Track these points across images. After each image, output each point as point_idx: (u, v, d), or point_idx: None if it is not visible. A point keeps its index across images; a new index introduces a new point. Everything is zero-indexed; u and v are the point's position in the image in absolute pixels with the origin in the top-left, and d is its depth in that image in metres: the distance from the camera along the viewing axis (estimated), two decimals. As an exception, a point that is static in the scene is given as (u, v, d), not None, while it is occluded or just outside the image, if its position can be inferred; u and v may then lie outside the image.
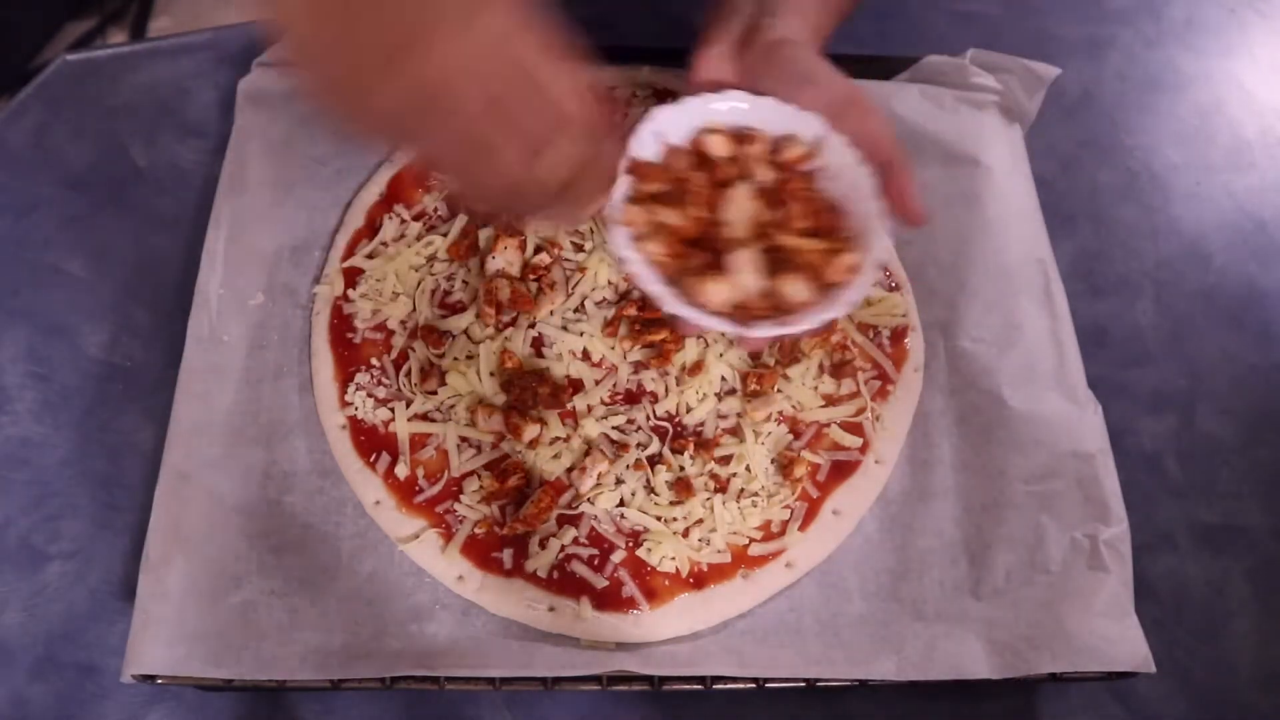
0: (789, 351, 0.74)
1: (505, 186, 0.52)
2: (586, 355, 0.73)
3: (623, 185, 0.60)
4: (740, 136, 0.64)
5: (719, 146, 0.63)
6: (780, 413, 0.72)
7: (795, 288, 0.59)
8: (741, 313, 0.58)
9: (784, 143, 0.64)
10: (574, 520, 0.68)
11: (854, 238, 0.61)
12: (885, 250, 0.62)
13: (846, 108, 0.62)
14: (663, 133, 0.63)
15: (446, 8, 0.46)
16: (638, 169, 0.61)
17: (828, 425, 0.72)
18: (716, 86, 0.64)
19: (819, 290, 0.59)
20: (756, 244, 0.60)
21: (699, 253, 0.60)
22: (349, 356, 0.74)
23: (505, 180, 0.51)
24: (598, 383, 0.73)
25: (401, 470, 0.70)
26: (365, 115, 0.48)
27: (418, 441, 0.71)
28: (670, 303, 0.57)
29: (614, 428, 0.71)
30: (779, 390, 0.72)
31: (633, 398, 0.73)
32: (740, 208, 0.61)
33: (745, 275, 0.59)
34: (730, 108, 0.64)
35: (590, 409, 0.71)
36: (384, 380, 0.73)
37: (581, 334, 0.74)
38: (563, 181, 0.52)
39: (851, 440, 0.72)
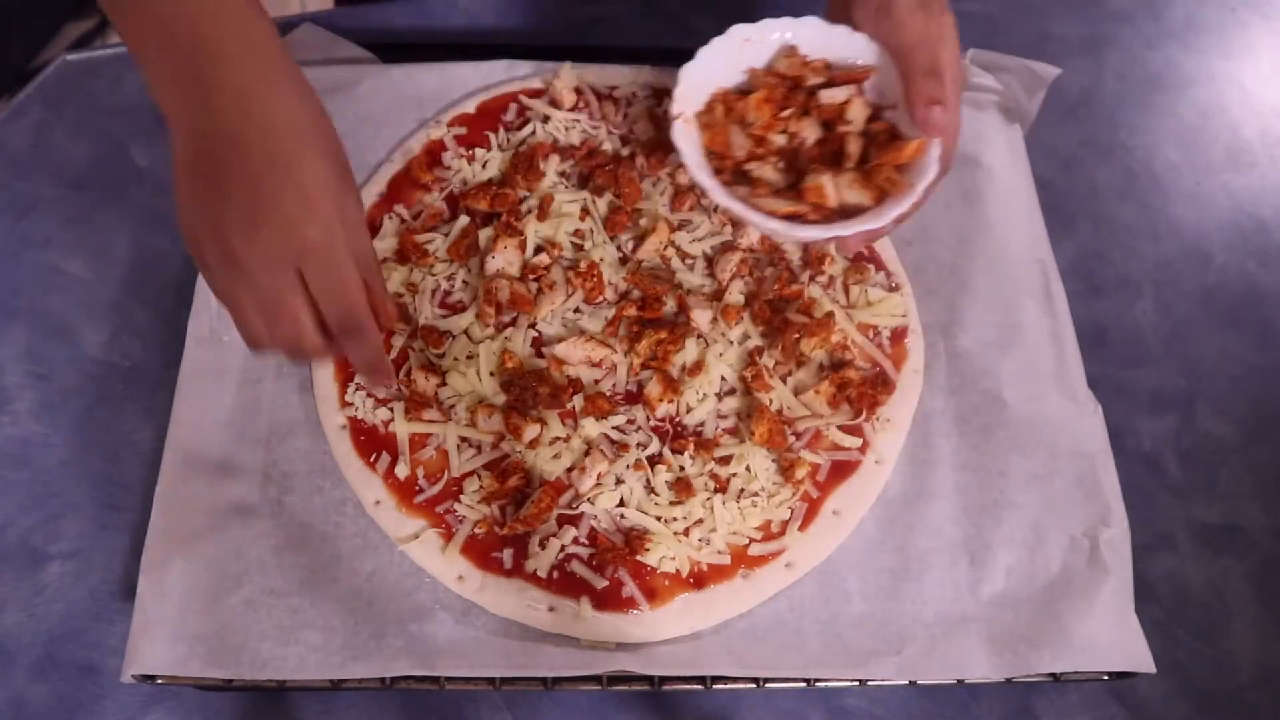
0: (791, 352, 0.74)
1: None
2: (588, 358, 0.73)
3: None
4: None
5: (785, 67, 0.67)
6: (780, 414, 0.72)
7: (850, 191, 0.63)
8: (792, 218, 0.62)
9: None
10: (574, 520, 0.68)
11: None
12: (929, 169, 0.63)
13: (887, 22, 0.65)
14: (704, 82, 0.66)
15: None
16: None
17: (826, 426, 0.72)
18: None
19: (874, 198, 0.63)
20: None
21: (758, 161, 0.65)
22: (349, 356, 0.74)
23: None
24: (597, 382, 0.73)
25: (401, 470, 0.69)
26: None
27: (418, 441, 0.71)
28: (721, 195, 0.60)
29: (614, 428, 0.71)
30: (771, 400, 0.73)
31: (632, 398, 0.73)
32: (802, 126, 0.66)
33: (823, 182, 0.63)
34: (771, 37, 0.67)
35: (591, 408, 0.71)
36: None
37: (582, 334, 0.74)
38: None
39: (851, 440, 0.72)
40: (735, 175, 0.66)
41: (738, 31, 0.65)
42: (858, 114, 0.66)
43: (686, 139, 0.64)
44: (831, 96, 0.66)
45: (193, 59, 0.53)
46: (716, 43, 0.66)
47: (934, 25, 0.64)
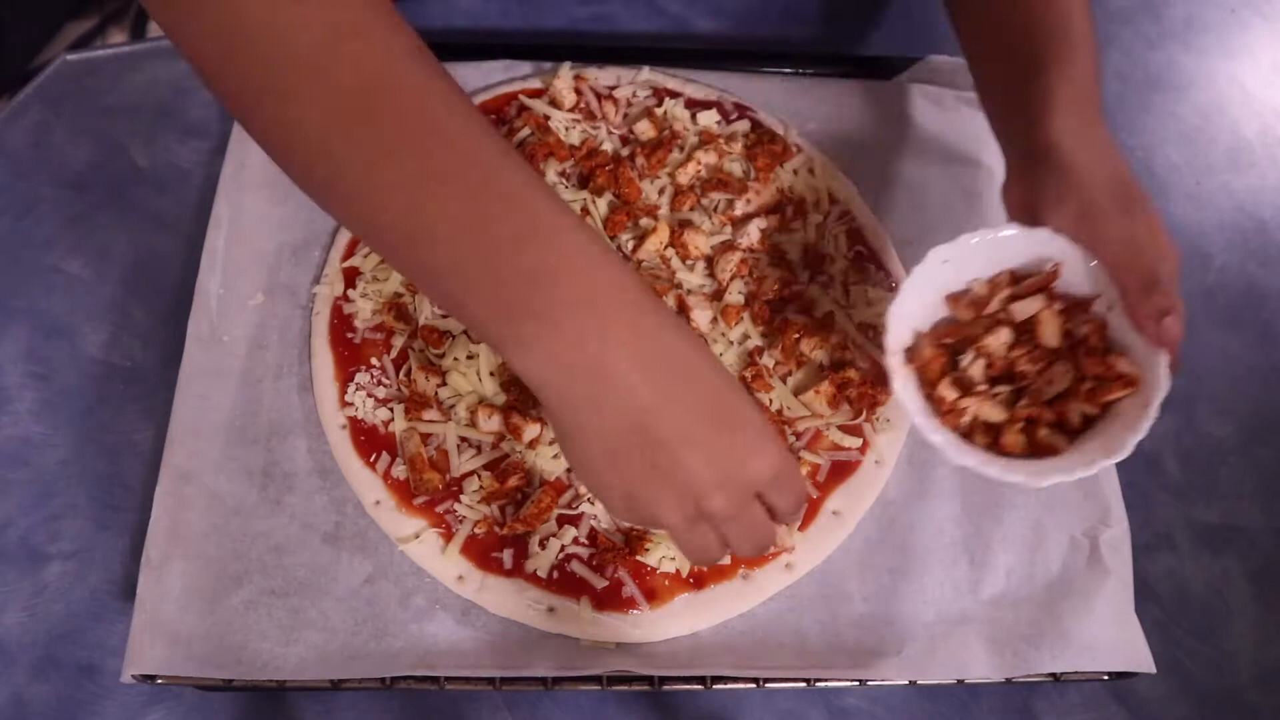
0: (790, 352, 0.74)
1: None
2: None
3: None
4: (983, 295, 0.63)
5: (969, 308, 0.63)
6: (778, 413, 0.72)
7: (1051, 436, 0.60)
8: (995, 444, 0.60)
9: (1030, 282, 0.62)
10: (574, 520, 0.68)
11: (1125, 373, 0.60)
12: (1160, 385, 0.58)
13: (1089, 230, 0.59)
14: (906, 325, 0.62)
15: None
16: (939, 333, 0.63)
17: (826, 426, 0.72)
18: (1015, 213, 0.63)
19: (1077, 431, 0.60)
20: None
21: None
22: (349, 356, 0.74)
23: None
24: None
25: (401, 470, 0.69)
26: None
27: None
28: (955, 453, 0.58)
29: (614, 428, 0.71)
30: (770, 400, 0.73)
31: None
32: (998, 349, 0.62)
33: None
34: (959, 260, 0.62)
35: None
36: (384, 380, 0.73)
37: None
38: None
39: (851, 441, 0.72)
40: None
41: (936, 255, 0.61)
42: (1050, 333, 0.61)
43: (908, 391, 0.60)
44: (1023, 310, 0.62)
45: (578, 324, 0.48)
46: (917, 272, 0.61)
47: (1140, 227, 0.58)
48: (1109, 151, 0.61)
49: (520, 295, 0.47)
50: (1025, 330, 0.62)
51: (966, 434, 0.61)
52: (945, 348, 0.63)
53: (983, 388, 0.61)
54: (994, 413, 0.61)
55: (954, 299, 0.64)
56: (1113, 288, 0.60)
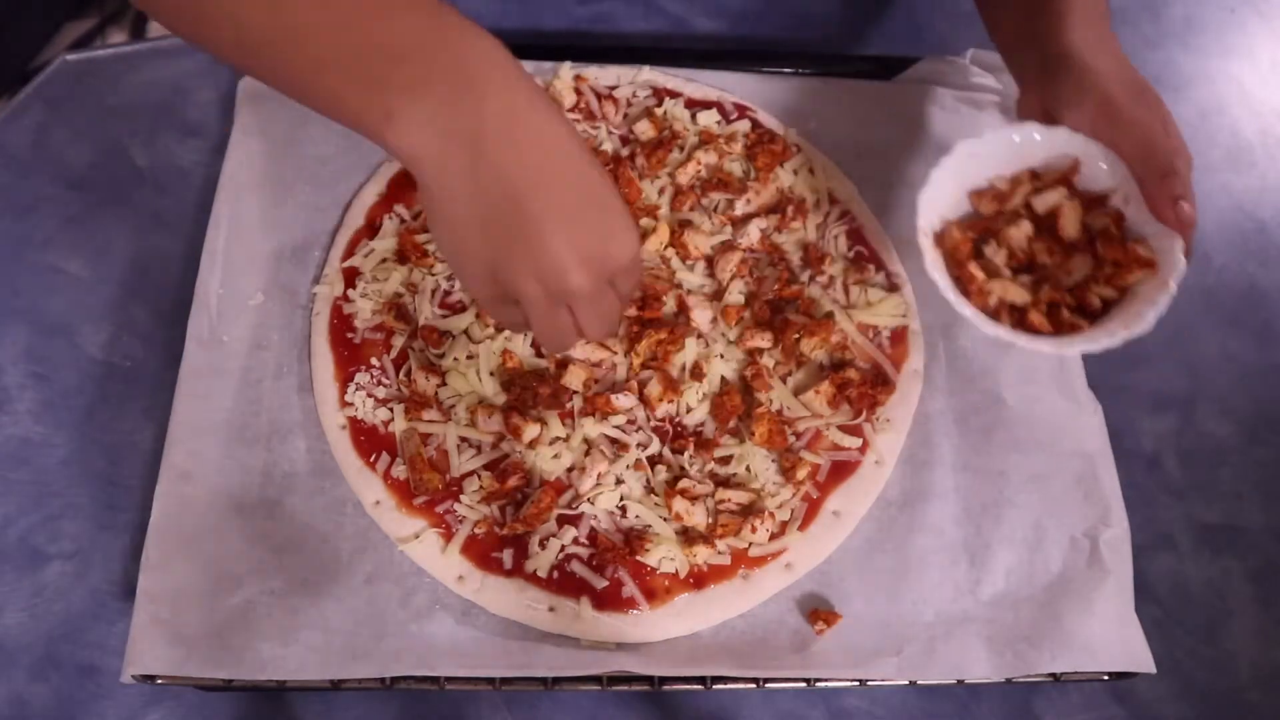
0: (791, 352, 0.74)
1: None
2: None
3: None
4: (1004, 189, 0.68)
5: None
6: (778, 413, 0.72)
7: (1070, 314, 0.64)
8: (1020, 325, 0.64)
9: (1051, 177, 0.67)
10: (574, 520, 0.68)
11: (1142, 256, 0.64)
12: (1178, 266, 0.62)
13: (1108, 122, 0.64)
14: (935, 210, 0.66)
15: None
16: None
17: (826, 426, 0.72)
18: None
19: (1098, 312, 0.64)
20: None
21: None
22: (349, 356, 0.74)
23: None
24: (597, 381, 0.73)
25: (401, 470, 0.69)
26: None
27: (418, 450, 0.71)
28: (986, 324, 0.62)
29: (614, 427, 0.71)
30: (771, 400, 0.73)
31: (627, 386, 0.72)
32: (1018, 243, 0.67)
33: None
34: (984, 153, 0.67)
35: (591, 408, 0.71)
36: (384, 380, 0.73)
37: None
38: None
39: (851, 441, 0.72)
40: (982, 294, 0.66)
41: (963, 147, 0.66)
42: (1070, 224, 0.66)
43: (938, 269, 0.64)
44: (1044, 203, 0.66)
45: (453, 94, 0.49)
46: (945, 162, 0.66)
47: (1156, 120, 0.63)
48: (1122, 57, 0.66)
49: (392, 68, 0.49)
50: (1045, 223, 0.66)
51: (993, 315, 0.64)
52: (971, 237, 0.66)
53: (1007, 274, 0.66)
54: (1019, 294, 0.65)
55: (977, 195, 0.68)
56: (1129, 181, 0.64)
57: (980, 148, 0.67)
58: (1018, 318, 0.65)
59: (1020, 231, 0.66)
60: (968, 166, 0.67)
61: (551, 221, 0.50)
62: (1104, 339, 0.61)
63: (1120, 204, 0.65)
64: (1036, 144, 0.66)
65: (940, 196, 0.67)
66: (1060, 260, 0.66)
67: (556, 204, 0.50)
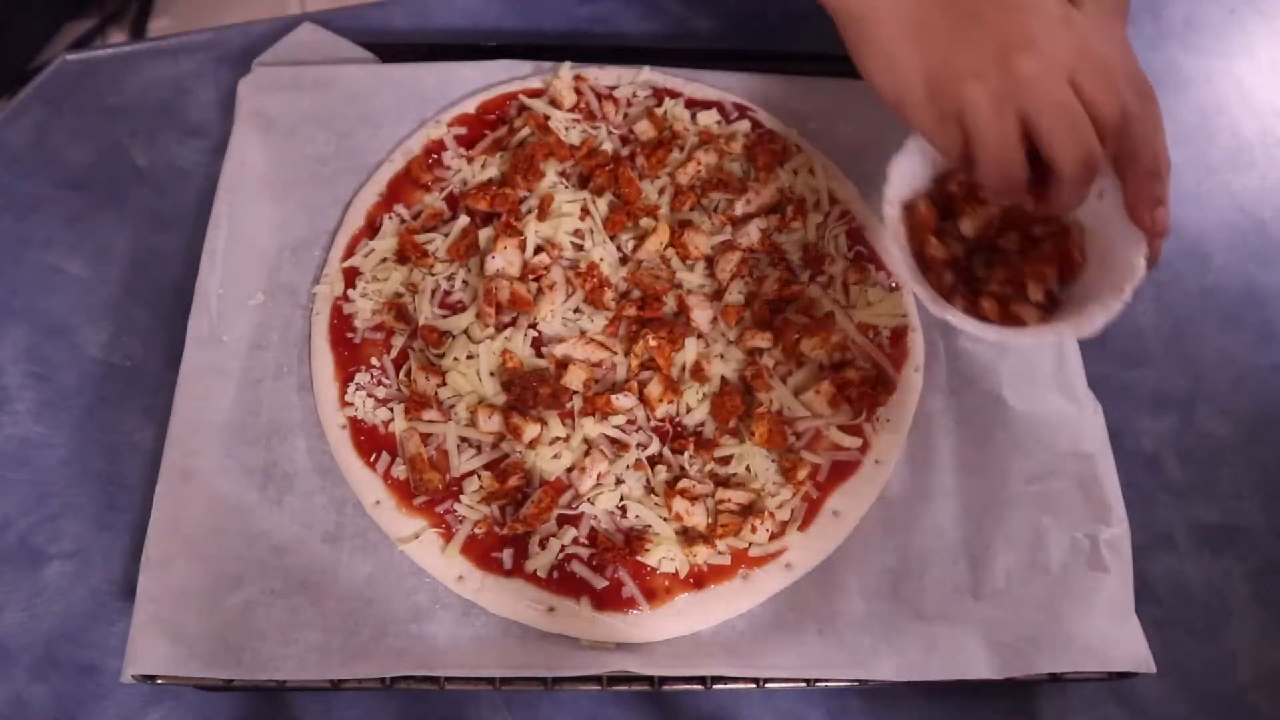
0: (791, 353, 0.74)
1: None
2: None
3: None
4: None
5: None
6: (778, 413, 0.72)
7: (1025, 309, 0.65)
8: (971, 311, 0.65)
9: None
10: (574, 520, 0.68)
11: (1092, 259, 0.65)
12: (1137, 273, 0.62)
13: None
14: (906, 182, 0.67)
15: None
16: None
17: (826, 426, 0.72)
18: None
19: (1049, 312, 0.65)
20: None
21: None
22: (349, 356, 0.74)
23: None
24: (597, 381, 0.73)
25: (401, 470, 0.69)
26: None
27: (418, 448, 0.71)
28: (935, 304, 0.63)
29: (614, 427, 0.71)
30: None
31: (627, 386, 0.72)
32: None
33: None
34: None
35: (591, 408, 0.71)
36: (384, 380, 0.73)
37: (582, 334, 0.74)
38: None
39: (851, 441, 0.72)
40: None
41: None
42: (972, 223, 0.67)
43: (898, 241, 0.65)
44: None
45: None
46: (911, 142, 0.66)
47: (1148, 115, 0.62)
48: (1126, 47, 0.64)
49: None
50: (1011, 212, 0.67)
51: (947, 296, 0.64)
52: (936, 213, 0.67)
53: (958, 251, 0.67)
54: (941, 249, 0.66)
55: (948, 174, 0.68)
56: (1107, 177, 0.62)
57: None
58: (969, 305, 0.65)
59: (980, 215, 0.66)
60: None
61: (988, 10, 0.50)
62: (1050, 335, 0.62)
63: (1094, 198, 0.64)
64: None
65: (913, 168, 0.66)
66: (1022, 247, 0.67)
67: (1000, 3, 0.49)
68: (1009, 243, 0.67)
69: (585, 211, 0.78)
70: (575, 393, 0.72)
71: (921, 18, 0.50)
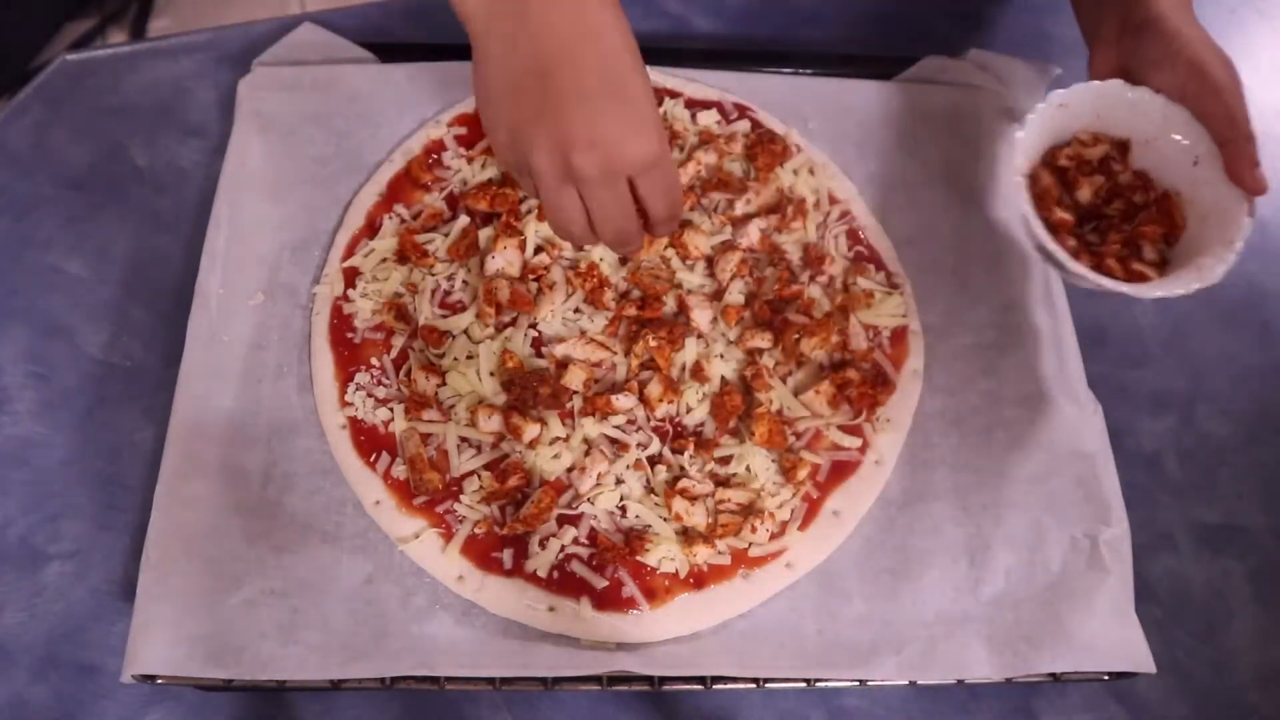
0: (791, 352, 0.74)
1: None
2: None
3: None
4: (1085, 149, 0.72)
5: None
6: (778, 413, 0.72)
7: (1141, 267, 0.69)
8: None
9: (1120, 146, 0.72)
10: (574, 520, 0.68)
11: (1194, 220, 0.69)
12: (1244, 227, 0.66)
13: (1198, 85, 0.67)
14: (1030, 147, 0.71)
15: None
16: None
17: (826, 426, 0.72)
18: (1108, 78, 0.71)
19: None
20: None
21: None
22: (349, 356, 0.74)
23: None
24: (597, 381, 0.73)
25: (401, 470, 0.69)
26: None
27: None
28: (1067, 258, 0.66)
29: (614, 427, 0.71)
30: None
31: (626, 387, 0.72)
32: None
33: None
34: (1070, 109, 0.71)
35: (591, 408, 0.71)
36: (384, 380, 0.73)
37: (582, 334, 0.74)
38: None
39: (851, 441, 0.72)
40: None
41: (1054, 97, 0.70)
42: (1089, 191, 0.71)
43: (1030, 208, 0.68)
44: (1092, 154, 0.72)
45: None
46: (1040, 109, 0.70)
47: (1238, 86, 0.67)
48: (1201, 27, 0.68)
49: None
50: (1114, 180, 0.72)
51: (1074, 259, 0.67)
52: (1057, 179, 0.71)
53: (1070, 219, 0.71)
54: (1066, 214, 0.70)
55: (1057, 148, 0.72)
56: (1204, 142, 0.68)
57: (1071, 97, 0.70)
58: (1095, 262, 0.68)
59: (1092, 183, 0.71)
60: (1057, 116, 0.71)
61: (571, 98, 0.53)
62: (1177, 287, 0.65)
63: (1190, 165, 0.69)
64: (1119, 100, 0.70)
65: (1033, 142, 0.70)
66: (1125, 214, 0.71)
67: (578, 83, 0.53)
68: (1114, 210, 0.71)
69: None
70: (575, 393, 0.72)
71: (516, 80, 0.54)
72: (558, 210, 0.57)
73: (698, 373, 0.73)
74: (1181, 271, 0.67)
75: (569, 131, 0.53)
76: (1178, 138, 0.69)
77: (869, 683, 0.65)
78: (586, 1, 0.54)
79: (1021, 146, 0.69)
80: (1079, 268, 0.66)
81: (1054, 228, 0.68)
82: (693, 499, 0.68)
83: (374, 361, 0.73)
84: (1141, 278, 0.68)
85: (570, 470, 0.70)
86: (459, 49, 0.87)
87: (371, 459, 0.70)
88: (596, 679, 0.64)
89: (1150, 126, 0.70)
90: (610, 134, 0.54)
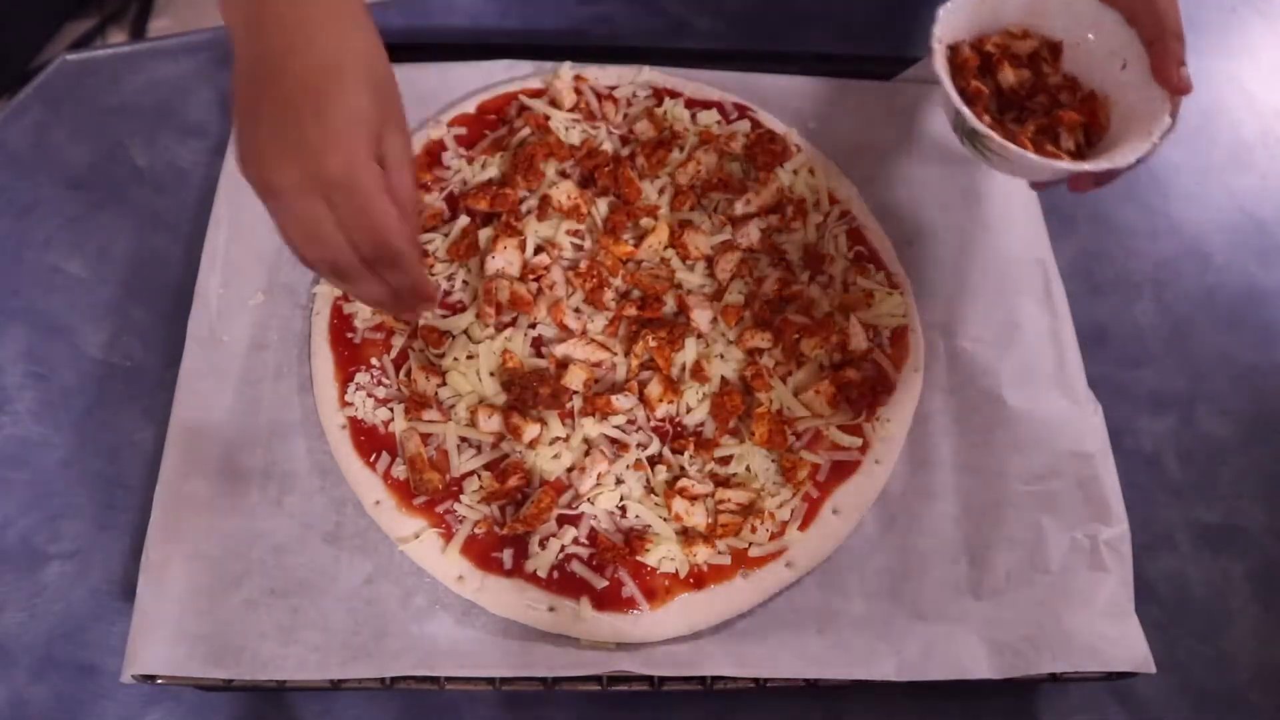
0: (791, 353, 0.74)
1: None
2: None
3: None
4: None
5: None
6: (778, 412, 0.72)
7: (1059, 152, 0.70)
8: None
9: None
10: (574, 520, 0.68)
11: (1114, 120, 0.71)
12: (1164, 124, 0.67)
13: None
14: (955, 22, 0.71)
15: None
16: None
17: (826, 426, 0.72)
18: None
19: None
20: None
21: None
22: (349, 356, 0.74)
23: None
24: (597, 381, 0.73)
25: (401, 470, 0.69)
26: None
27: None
28: (980, 124, 0.66)
29: (614, 427, 0.71)
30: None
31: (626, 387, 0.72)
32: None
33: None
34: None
35: (591, 408, 0.71)
36: (384, 380, 0.73)
37: (582, 334, 0.74)
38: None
39: (851, 440, 0.72)
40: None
41: None
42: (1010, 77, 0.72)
43: (944, 71, 0.69)
44: (1021, 48, 0.73)
45: None
46: None
47: None
48: None
49: None
50: (1038, 71, 0.73)
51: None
52: (978, 57, 0.72)
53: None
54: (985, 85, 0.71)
55: (983, 37, 0.73)
56: (1133, 44, 0.69)
57: None
58: (1008, 138, 0.68)
59: (1017, 73, 0.72)
60: (983, 7, 0.72)
61: (270, 112, 0.52)
62: (1086, 166, 0.66)
63: (1118, 69, 0.70)
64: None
65: (959, 18, 0.71)
66: (1047, 110, 0.72)
67: (277, 98, 0.52)
68: (1037, 105, 0.72)
69: (586, 212, 0.78)
70: (575, 393, 0.72)
71: (254, 106, 0.53)
72: (275, 220, 0.55)
73: (698, 373, 0.73)
74: (1095, 157, 0.68)
75: (262, 140, 0.53)
76: (1106, 38, 0.70)
77: (869, 683, 0.65)
78: (306, 12, 0.54)
79: (946, 16, 0.70)
80: (980, 126, 0.66)
81: (970, 99, 0.69)
82: (693, 499, 0.68)
83: (374, 361, 0.73)
84: (1054, 156, 0.68)
85: (570, 470, 0.70)
86: (459, 49, 0.88)
87: (371, 459, 0.70)
88: (596, 679, 0.64)
89: (1080, 27, 0.71)
90: (296, 146, 0.52)
